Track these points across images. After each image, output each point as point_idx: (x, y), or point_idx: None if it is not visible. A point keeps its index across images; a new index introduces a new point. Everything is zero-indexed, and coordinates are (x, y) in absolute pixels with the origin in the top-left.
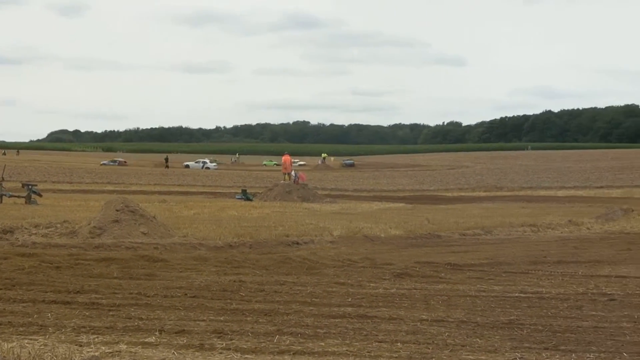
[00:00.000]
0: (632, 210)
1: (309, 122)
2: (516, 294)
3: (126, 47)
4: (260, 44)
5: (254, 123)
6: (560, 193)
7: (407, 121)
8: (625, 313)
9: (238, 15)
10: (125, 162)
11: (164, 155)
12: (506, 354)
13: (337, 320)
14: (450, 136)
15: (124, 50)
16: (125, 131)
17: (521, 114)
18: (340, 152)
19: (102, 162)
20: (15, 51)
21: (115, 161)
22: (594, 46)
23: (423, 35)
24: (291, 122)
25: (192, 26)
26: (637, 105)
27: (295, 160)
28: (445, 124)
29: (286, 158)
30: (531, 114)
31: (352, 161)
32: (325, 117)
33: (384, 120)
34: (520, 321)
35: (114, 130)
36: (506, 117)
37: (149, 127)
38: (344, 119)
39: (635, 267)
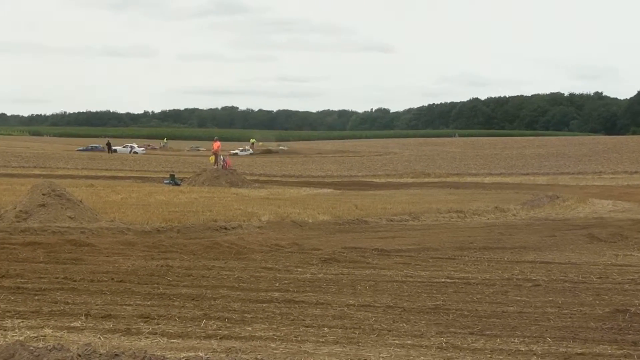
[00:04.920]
0: (557, 197)
1: (237, 108)
2: (442, 280)
3: (50, 31)
4: (185, 29)
5: (182, 108)
6: (487, 180)
7: (335, 107)
8: (550, 299)
9: (161, 0)
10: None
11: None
12: (432, 338)
13: (264, 305)
14: (378, 123)
15: (47, 34)
16: (52, 115)
17: (448, 101)
18: (269, 138)
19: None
20: None
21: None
22: (521, 35)
23: (350, 22)
24: (219, 107)
25: (115, 10)
26: (563, 94)
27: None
28: (373, 110)
29: (217, 144)
30: (458, 101)
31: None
32: (254, 102)
33: (312, 106)
34: (446, 306)
35: (40, 114)
36: (434, 104)
37: (76, 112)
38: (272, 105)
39: (559, 254)
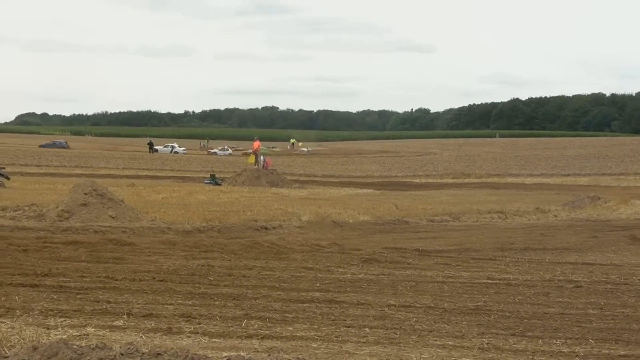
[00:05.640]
0: (599, 198)
1: (277, 108)
2: (483, 280)
3: (91, 30)
4: (224, 28)
5: (222, 108)
6: (528, 180)
7: (375, 107)
8: (592, 300)
9: (200, 0)
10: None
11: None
12: (473, 339)
13: (305, 305)
14: (419, 123)
15: (88, 33)
16: (94, 114)
17: (489, 101)
18: (309, 138)
19: (40, 145)
20: None
21: (55, 143)
22: (562, 34)
23: (389, 22)
24: (260, 107)
25: (155, 10)
26: (604, 94)
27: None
28: (413, 110)
29: (257, 144)
30: (499, 101)
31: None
32: (294, 102)
33: (352, 106)
34: (488, 307)
35: (82, 114)
36: (474, 104)
37: (117, 111)
38: (312, 105)
39: (601, 255)
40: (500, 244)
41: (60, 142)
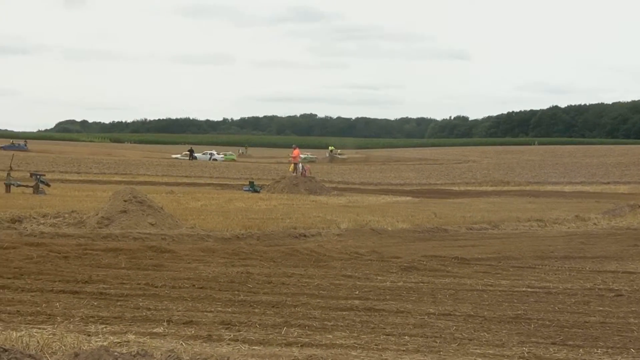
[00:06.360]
0: (639, 207)
1: (316, 115)
2: (523, 289)
3: (130, 38)
4: (261, 36)
5: (261, 115)
6: (567, 188)
7: (413, 115)
8: (633, 309)
9: (237, 7)
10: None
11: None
12: (513, 348)
13: (344, 312)
14: (457, 130)
15: (128, 41)
16: (133, 122)
17: (528, 109)
18: (347, 146)
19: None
20: (20, 41)
21: (14, 145)
22: (601, 42)
23: (427, 29)
24: (298, 114)
25: (193, 17)
26: None
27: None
28: (452, 118)
29: (296, 151)
30: (538, 109)
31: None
32: (332, 110)
33: (391, 114)
34: (528, 316)
35: (121, 121)
36: (513, 112)
37: (156, 119)
38: (350, 112)
39: None
40: (539, 252)
41: (19, 145)
